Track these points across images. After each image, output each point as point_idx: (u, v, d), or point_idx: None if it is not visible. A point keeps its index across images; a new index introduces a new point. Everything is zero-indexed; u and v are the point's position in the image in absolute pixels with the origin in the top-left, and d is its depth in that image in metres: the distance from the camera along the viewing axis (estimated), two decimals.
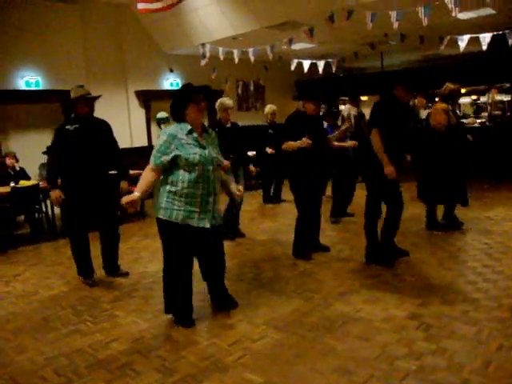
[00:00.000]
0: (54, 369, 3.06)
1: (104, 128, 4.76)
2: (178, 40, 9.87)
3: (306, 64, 10.66)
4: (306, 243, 5.16)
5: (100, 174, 4.68)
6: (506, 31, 8.03)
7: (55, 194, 4.59)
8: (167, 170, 3.40)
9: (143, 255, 5.70)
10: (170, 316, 3.71)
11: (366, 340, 3.18)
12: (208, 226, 3.45)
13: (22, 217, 7.29)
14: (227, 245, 4.71)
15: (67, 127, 4.54)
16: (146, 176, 3.42)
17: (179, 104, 3.45)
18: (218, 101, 5.94)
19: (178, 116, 3.46)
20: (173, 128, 3.42)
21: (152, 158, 3.37)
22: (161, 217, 3.43)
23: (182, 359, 3.07)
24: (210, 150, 3.46)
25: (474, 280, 4.16)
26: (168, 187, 3.40)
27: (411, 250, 5.03)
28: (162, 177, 3.45)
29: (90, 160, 4.56)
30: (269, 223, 7.08)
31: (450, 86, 5.75)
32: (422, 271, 4.49)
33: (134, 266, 5.27)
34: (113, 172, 4.88)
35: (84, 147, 4.53)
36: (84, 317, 3.90)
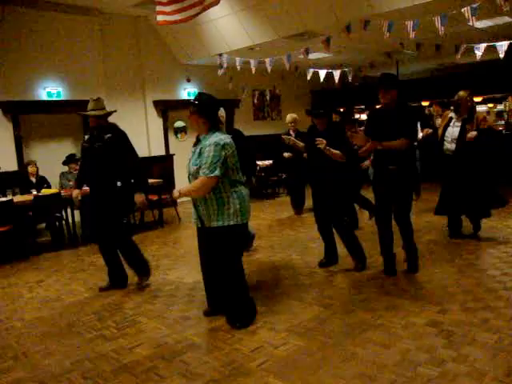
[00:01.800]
0: (81, 373, 3.14)
1: (108, 138, 4.60)
2: (195, 50, 10.02)
3: (322, 73, 10.72)
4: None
5: (100, 186, 4.68)
6: None
7: (75, 192, 5.02)
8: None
9: (163, 263, 5.77)
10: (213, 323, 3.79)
11: (387, 346, 3.21)
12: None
13: (43, 224, 7.44)
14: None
15: (84, 138, 4.89)
16: None
17: None
18: None
19: None
20: None
21: (208, 171, 3.45)
22: (231, 223, 3.52)
23: (206, 364, 3.13)
24: (191, 160, 3.62)
25: (494, 288, 4.16)
26: (217, 194, 3.54)
27: (430, 259, 5.04)
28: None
29: (91, 171, 4.75)
30: (288, 231, 7.12)
31: (461, 93, 5.72)
32: (441, 279, 4.50)
33: (154, 273, 5.32)
34: (119, 183, 4.67)
35: (86, 158, 4.80)
36: (107, 322, 3.98)
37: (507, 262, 4.85)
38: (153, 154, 10.26)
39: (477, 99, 11.27)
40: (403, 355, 3.07)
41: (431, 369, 2.87)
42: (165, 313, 4.12)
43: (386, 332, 3.43)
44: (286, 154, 8.22)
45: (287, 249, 6.06)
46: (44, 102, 8.50)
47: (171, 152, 10.60)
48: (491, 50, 8.14)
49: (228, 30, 8.89)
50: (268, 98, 12.85)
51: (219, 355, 3.24)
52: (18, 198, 6.72)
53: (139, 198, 4.73)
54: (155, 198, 7.90)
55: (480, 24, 8.11)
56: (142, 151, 9.96)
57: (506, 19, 8.11)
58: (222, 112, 4.48)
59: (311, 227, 7.10)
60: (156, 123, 10.47)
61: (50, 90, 8.56)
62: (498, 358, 2.96)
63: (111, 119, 4.84)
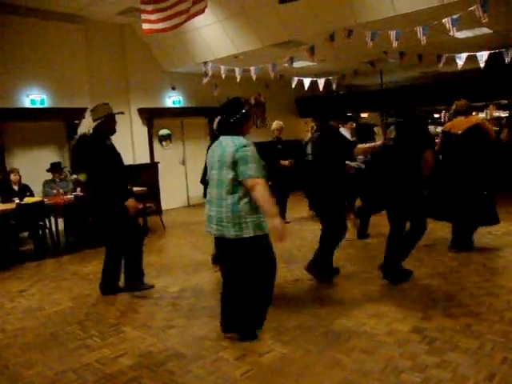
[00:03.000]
0: (64, 383, 3.10)
1: (93, 146, 4.73)
2: (180, 58, 10.04)
3: (307, 82, 10.82)
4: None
5: (95, 193, 4.81)
6: (503, 50, 8.22)
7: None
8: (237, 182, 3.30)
9: (148, 271, 5.69)
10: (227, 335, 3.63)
11: (371, 353, 3.23)
12: None
13: (26, 233, 7.35)
14: None
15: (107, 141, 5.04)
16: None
17: None
18: None
19: None
20: None
21: (254, 173, 3.23)
22: (259, 233, 3.30)
23: (190, 373, 3.12)
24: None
25: (476, 294, 4.22)
26: (246, 199, 3.29)
27: (415, 266, 5.08)
28: (235, 192, 3.30)
29: (88, 179, 5.05)
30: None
31: (459, 102, 5.65)
32: (425, 285, 4.55)
33: None
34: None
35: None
36: (91, 332, 3.95)
37: (489, 269, 4.92)
38: (138, 162, 10.22)
39: None
40: (387, 362, 3.09)
41: (415, 375, 2.89)
42: (149, 321, 4.09)
43: (369, 339, 3.45)
44: (284, 162, 7.99)
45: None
46: (27, 109, 8.42)
47: (156, 160, 10.57)
48: (472, 59, 8.33)
49: (213, 39, 8.93)
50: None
51: (204, 364, 3.23)
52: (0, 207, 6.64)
53: (130, 202, 4.69)
54: (140, 206, 7.87)
55: (460, 34, 8.26)
56: (127, 159, 9.97)
57: (485, 30, 8.29)
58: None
59: (296, 235, 7.15)
60: (141, 131, 10.45)
61: (33, 97, 8.48)
62: (480, 363, 3.00)
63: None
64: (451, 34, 6.30)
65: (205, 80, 9.51)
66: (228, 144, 3.32)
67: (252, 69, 9.19)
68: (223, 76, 9.24)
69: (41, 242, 7.10)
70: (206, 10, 6.85)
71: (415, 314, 3.84)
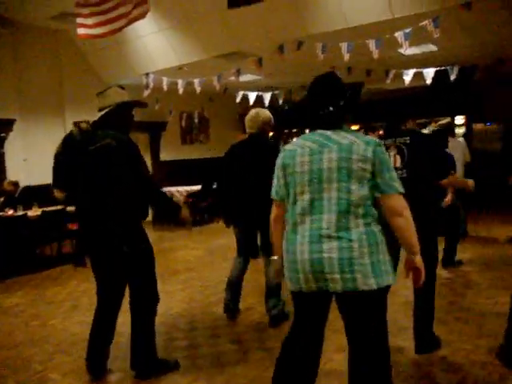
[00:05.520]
0: None
1: (102, 150, 2.95)
2: (120, 69, 9.45)
3: (252, 96, 10.52)
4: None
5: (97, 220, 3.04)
6: (448, 67, 8.29)
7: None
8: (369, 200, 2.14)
9: (83, 302, 5.10)
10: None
11: None
12: None
13: None
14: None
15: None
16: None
17: None
18: None
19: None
20: None
21: (400, 186, 2.14)
22: (390, 283, 2.17)
23: None
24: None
25: (444, 319, 3.94)
26: (379, 226, 2.17)
27: None
28: (369, 214, 2.13)
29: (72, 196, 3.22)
30: (221, 262, 6.64)
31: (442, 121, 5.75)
32: (391, 312, 4.21)
33: (71, 315, 4.69)
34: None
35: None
36: (8, 383, 3.31)
37: (452, 289, 4.70)
38: None
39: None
40: None
41: None
42: (83, 366, 3.49)
43: (338, 378, 3.06)
44: None
45: (221, 284, 5.58)
46: None
47: None
48: (418, 76, 8.33)
49: (155, 49, 8.44)
50: (196, 120, 12.44)
51: None
52: None
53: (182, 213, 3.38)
54: (75, 226, 7.20)
55: (408, 51, 8.24)
56: None
57: (432, 47, 8.31)
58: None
59: None
60: None
61: None
62: None
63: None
64: (404, 48, 6.17)
65: (146, 93, 8.97)
66: (352, 141, 2.11)
67: (196, 81, 8.75)
68: (165, 88, 8.76)
69: None
70: (148, 18, 6.40)
71: None
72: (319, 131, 2.21)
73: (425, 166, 3.31)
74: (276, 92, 10.63)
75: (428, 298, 3.43)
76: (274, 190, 2.37)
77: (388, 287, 2.16)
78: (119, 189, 2.95)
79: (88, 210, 3.06)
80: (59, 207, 6.95)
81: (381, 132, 6.89)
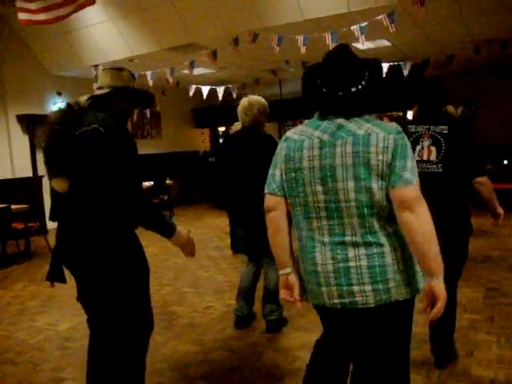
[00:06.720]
0: None
1: (86, 137, 2.17)
2: (67, 60, 9.01)
3: (205, 90, 10.30)
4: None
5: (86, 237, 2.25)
6: (401, 62, 8.40)
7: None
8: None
9: (30, 305, 4.79)
10: None
11: None
12: None
13: None
14: None
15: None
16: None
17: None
18: None
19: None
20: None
21: (413, 176, 1.72)
22: (417, 292, 1.83)
23: None
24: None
25: None
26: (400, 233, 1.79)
27: None
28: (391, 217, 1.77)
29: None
30: (174, 259, 6.45)
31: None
32: None
33: (18, 319, 4.39)
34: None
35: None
36: None
37: None
38: (18, 176, 8.97)
39: None
40: None
41: None
42: (31, 376, 3.24)
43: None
44: None
45: (176, 280, 5.41)
46: None
47: (40, 173, 9.37)
48: None
49: (104, 39, 8.08)
50: (148, 115, 12.09)
51: None
52: None
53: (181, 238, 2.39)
54: (21, 226, 6.82)
55: (362, 46, 8.27)
56: (4, 172, 8.76)
57: (385, 43, 8.39)
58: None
59: (198, 253, 6.55)
60: (21, 141, 9.18)
61: None
62: None
63: None
64: (360, 42, 6.16)
65: (95, 85, 8.55)
66: (368, 131, 1.73)
67: (148, 73, 8.46)
68: None
69: None
70: (98, 7, 6.13)
71: None
72: (329, 118, 1.81)
73: (464, 161, 2.81)
74: (229, 86, 10.46)
75: (451, 304, 2.70)
76: (271, 182, 1.93)
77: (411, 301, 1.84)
78: (105, 191, 2.16)
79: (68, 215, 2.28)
80: (3, 205, 6.54)
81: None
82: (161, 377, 3.10)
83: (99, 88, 2.41)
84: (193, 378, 3.06)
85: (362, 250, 1.74)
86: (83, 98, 2.34)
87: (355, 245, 1.75)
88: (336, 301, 1.79)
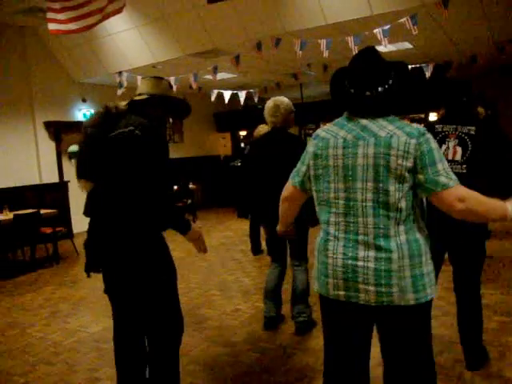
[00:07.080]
0: None
1: (121, 140, 2.30)
2: (92, 67, 9.19)
3: (227, 94, 10.39)
4: None
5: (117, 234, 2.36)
6: (423, 64, 8.36)
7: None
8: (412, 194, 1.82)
9: (61, 308, 4.90)
10: None
11: None
12: None
13: None
14: None
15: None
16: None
17: None
18: None
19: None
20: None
21: (449, 179, 1.76)
22: (432, 297, 1.87)
23: None
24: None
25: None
26: (425, 231, 1.91)
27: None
28: (410, 218, 1.83)
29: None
30: (200, 263, 6.52)
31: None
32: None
33: (51, 321, 4.49)
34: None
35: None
36: None
37: None
38: (45, 182, 9.16)
39: None
40: None
41: None
42: (67, 376, 3.33)
43: None
44: None
45: (203, 283, 5.48)
46: None
47: (65, 179, 9.55)
48: None
49: (129, 46, 8.22)
50: (171, 120, 12.21)
51: None
52: None
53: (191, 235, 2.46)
54: (49, 230, 6.97)
55: (385, 49, 8.26)
56: (32, 178, 8.95)
57: (407, 45, 8.37)
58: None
59: (222, 256, 6.61)
60: (48, 147, 9.37)
61: None
62: None
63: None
64: (383, 44, 6.16)
65: (119, 91, 8.76)
66: (391, 133, 1.78)
67: (171, 79, 8.58)
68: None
69: None
70: (123, 15, 6.22)
71: None
72: (355, 119, 1.87)
73: (490, 164, 2.77)
74: (251, 90, 10.52)
75: (476, 304, 2.93)
76: (295, 176, 2.08)
77: (431, 301, 1.87)
78: (136, 192, 2.25)
79: (99, 213, 2.40)
80: (32, 210, 6.70)
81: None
82: (193, 378, 3.15)
83: (139, 95, 2.49)
84: (224, 380, 3.11)
85: (372, 253, 1.80)
86: (122, 103, 2.44)
87: (366, 245, 1.81)
88: (341, 292, 1.87)
